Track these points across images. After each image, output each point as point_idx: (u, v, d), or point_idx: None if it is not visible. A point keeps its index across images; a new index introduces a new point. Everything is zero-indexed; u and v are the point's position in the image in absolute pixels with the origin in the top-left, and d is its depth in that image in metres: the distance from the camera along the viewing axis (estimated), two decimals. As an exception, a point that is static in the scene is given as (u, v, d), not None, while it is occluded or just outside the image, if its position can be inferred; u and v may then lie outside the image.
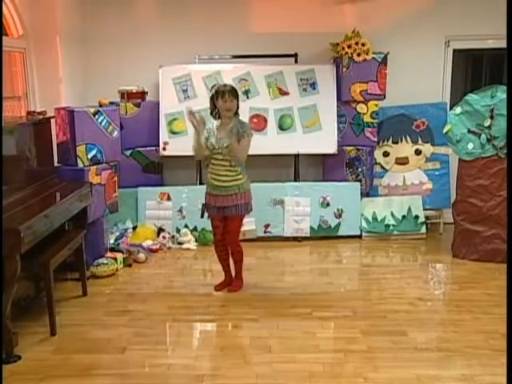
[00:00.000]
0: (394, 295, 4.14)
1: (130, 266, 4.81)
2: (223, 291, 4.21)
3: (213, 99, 3.99)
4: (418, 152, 5.79)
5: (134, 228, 5.42)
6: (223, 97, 3.88)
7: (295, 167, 5.73)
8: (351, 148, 5.63)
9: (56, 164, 4.64)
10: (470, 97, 4.79)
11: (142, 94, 5.60)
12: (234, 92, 3.92)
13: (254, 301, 4.04)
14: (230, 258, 4.25)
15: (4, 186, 3.55)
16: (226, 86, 4.00)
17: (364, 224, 5.57)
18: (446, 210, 5.64)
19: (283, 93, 5.59)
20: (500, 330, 3.44)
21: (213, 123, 4.03)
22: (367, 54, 5.41)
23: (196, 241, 5.41)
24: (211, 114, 4.04)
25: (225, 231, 4.10)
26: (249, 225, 5.45)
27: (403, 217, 5.60)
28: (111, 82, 5.56)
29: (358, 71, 5.44)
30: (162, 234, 5.39)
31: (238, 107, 4.00)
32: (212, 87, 5.56)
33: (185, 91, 5.61)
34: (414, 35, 5.68)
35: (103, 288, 4.32)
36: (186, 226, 5.48)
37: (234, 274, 4.28)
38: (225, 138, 3.91)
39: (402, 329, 3.55)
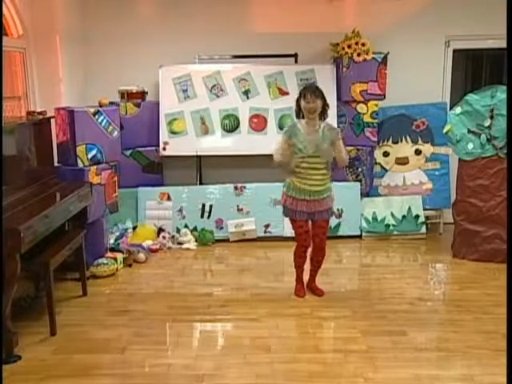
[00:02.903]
0: (393, 295, 4.14)
1: (130, 266, 4.81)
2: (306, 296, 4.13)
3: (298, 100, 3.86)
4: (418, 152, 5.79)
5: (134, 228, 5.42)
6: (305, 97, 3.75)
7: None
8: (351, 148, 5.62)
9: (56, 164, 4.64)
10: (470, 97, 4.80)
11: (142, 94, 5.60)
12: (317, 92, 3.78)
13: (253, 301, 4.04)
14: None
15: (4, 186, 3.55)
16: (310, 86, 3.90)
17: (364, 224, 5.57)
18: (446, 210, 5.64)
19: (283, 93, 5.59)
20: (500, 330, 3.44)
21: (295, 124, 3.90)
22: (367, 53, 5.41)
23: (196, 241, 5.41)
24: (297, 115, 3.92)
25: (316, 235, 3.97)
26: (249, 225, 5.46)
27: (403, 217, 5.60)
28: (111, 82, 5.55)
29: (358, 71, 5.44)
30: (162, 234, 5.39)
31: (325, 109, 3.84)
32: (212, 87, 5.59)
33: (185, 91, 5.61)
34: (414, 35, 5.68)
35: (103, 288, 4.32)
36: (186, 226, 5.48)
37: (315, 276, 4.19)
38: (317, 141, 3.80)
39: (402, 329, 3.55)
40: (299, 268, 4.14)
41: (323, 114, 3.86)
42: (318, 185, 3.86)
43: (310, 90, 3.79)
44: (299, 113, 3.89)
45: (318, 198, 3.88)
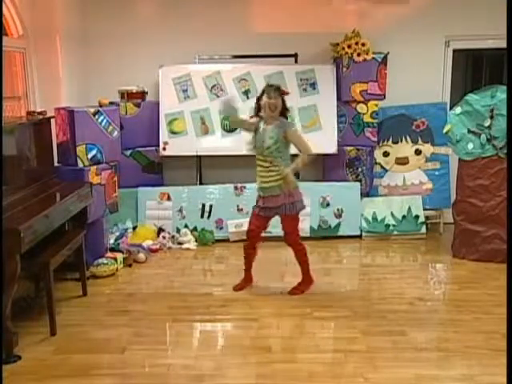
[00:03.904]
0: (393, 295, 4.14)
1: (130, 266, 4.81)
2: (242, 291, 4.20)
3: (258, 100, 3.98)
4: (418, 152, 5.80)
5: (134, 228, 5.42)
6: (268, 94, 3.89)
7: (295, 167, 5.74)
8: (351, 148, 5.63)
9: (56, 164, 4.64)
10: (470, 97, 4.80)
11: (142, 94, 5.60)
12: (279, 91, 3.94)
13: (253, 301, 4.04)
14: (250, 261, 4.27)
15: (4, 186, 3.55)
16: (272, 85, 4.05)
17: (364, 224, 5.57)
18: (446, 210, 5.64)
19: (283, 93, 5.57)
20: (500, 330, 3.43)
21: (259, 121, 4.02)
22: (367, 53, 5.41)
23: (196, 241, 5.41)
24: (255, 113, 4.03)
25: (284, 232, 4.11)
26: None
27: (403, 217, 5.60)
28: (111, 82, 5.55)
29: (358, 71, 5.44)
30: (162, 234, 5.39)
31: (285, 109, 3.98)
32: (212, 87, 5.59)
33: (185, 91, 5.61)
34: (414, 35, 5.67)
35: (103, 288, 4.32)
36: (186, 226, 5.48)
37: (302, 274, 4.24)
38: (266, 139, 3.90)
39: (402, 329, 3.55)
40: (245, 261, 4.25)
41: (283, 113, 3.99)
42: (266, 181, 3.96)
43: (273, 88, 3.94)
44: (258, 111, 4.00)
45: (269, 194, 3.97)
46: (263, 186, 3.99)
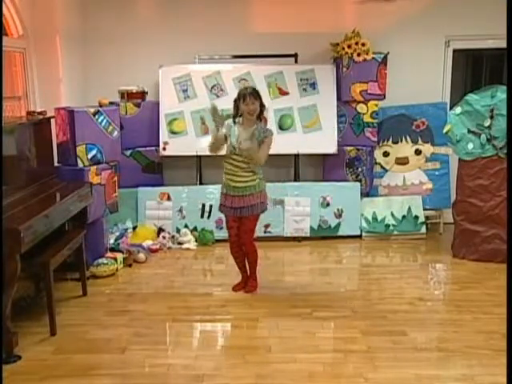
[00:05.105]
0: (393, 295, 4.14)
1: (130, 266, 4.81)
2: (240, 292, 4.20)
3: (236, 102, 3.97)
4: (418, 152, 5.79)
5: (134, 228, 5.42)
6: (245, 100, 3.87)
7: (295, 167, 5.74)
8: (351, 148, 5.63)
9: (56, 164, 4.64)
10: (470, 97, 4.80)
11: (142, 94, 5.60)
12: (255, 94, 3.91)
13: (254, 301, 4.04)
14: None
15: (4, 186, 3.55)
16: (247, 88, 4.01)
17: (364, 224, 5.57)
18: (446, 210, 5.64)
19: (283, 93, 5.59)
20: (500, 330, 3.43)
21: (233, 122, 4.03)
22: (367, 54, 5.41)
23: (196, 241, 5.41)
24: (234, 117, 4.01)
25: (240, 231, 4.09)
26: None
27: (403, 217, 5.60)
28: (111, 82, 5.55)
29: (358, 71, 5.44)
30: (162, 234, 5.39)
31: (262, 109, 3.97)
32: (212, 87, 5.59)
33: (185, 91, 5.61)
34: (414, 35, 5.68)
35: (103, 288, 4.32)
36: (186, 226, 5.48)
37: (249, 273, 4.26)
38: (246, 141, 3.89)
39: (402, 329, 3.55)
40: (237, 264, 4.26)
41: (260, 115, 3.99)
42: (240, 181, 3.97)
43: (249, 93, 3.90)
44: (237, 114, 3.99)
45: (240, 194, 3.98)
46: (237, 185, 3.97)
